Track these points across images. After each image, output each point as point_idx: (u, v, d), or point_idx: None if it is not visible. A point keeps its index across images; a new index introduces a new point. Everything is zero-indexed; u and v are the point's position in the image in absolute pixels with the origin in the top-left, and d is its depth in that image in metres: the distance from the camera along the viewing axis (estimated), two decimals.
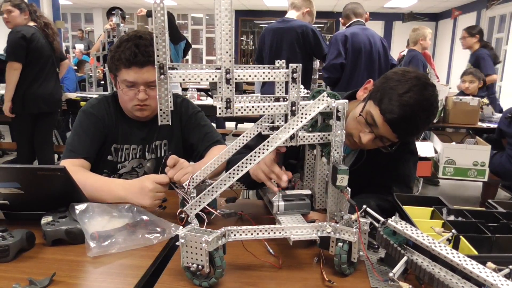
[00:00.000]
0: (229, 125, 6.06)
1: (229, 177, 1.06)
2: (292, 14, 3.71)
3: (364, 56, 3.49)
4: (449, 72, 10.80)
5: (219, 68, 0.98)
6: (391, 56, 3.80)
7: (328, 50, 3.61)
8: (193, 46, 5.54)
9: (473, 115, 3.83)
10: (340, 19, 3.81)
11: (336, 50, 3.50)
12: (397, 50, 9.75)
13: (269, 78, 1.04)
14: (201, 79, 0.99)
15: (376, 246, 1.13)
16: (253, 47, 13.08)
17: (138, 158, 1.72)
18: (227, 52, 0.96)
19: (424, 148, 3.49)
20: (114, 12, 5.09)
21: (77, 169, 1.49)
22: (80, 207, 1.22)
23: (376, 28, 11.23)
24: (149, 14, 4.99)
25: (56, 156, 4.43)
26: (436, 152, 3.54)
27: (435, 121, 3.75)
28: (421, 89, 1.26)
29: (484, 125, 3.92)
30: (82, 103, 3.89)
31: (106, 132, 1.66)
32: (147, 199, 1.34)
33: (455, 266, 0.83)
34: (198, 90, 5.31)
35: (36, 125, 3.74)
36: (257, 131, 1.18)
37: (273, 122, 1.23)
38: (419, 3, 10.08)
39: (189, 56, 6.32)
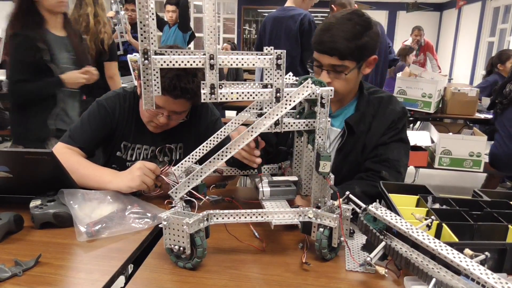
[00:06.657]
0: (229, 114, 6.05)
1: (215, 161, 1.07)
2: (292, 2, 3.66)
3: None
4: (452, 63, 10.71)
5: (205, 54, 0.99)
6: (393, 50, 3.74)
7: None
8: (196, 34, 5.49)
9: (471, 106, 3.83)
10: (332, 5, 3.66)
11: None
12: (401, 39, 9.68)
13: (253, 64, 1.03)
14: (186, 65, 0.99)
15: (352, 231, 1.08)
16: (255, 35, 12.97)
17: (149, 158, 1.68)
18: (211, 38, 0.96)
19: (420, 138, 3.49)
20: None
21: (72, 152, 1.52)
22: (69, 193, 1.24)
23: (380, 18, 11.11)
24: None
25: None
26: (433, 142, 3.54)
27: (433, 111, 3.74)
28: (347, 14, 1.41)
29: (482, 116, 3.92)
30: None
31: (115, 127, 1.63)
32: (136, 177, 1.35)
33: (431, 251, 0.84)
34: None
35: None
36: (246, 117, 1.18)
37: (261, 109, 1.24)
38: None
39: (191, 45, 6.28)
